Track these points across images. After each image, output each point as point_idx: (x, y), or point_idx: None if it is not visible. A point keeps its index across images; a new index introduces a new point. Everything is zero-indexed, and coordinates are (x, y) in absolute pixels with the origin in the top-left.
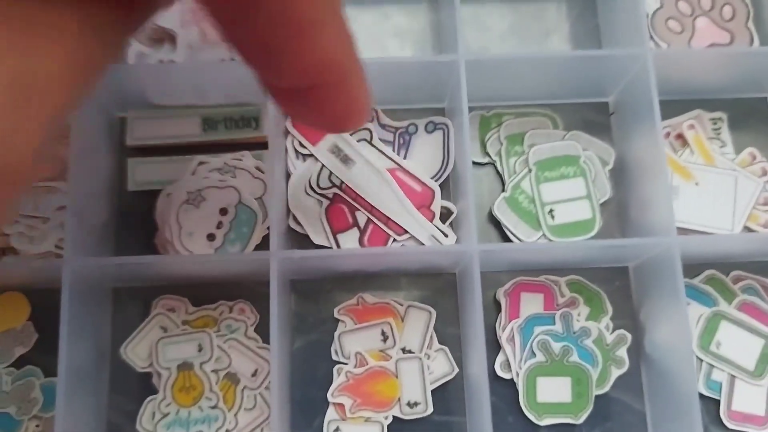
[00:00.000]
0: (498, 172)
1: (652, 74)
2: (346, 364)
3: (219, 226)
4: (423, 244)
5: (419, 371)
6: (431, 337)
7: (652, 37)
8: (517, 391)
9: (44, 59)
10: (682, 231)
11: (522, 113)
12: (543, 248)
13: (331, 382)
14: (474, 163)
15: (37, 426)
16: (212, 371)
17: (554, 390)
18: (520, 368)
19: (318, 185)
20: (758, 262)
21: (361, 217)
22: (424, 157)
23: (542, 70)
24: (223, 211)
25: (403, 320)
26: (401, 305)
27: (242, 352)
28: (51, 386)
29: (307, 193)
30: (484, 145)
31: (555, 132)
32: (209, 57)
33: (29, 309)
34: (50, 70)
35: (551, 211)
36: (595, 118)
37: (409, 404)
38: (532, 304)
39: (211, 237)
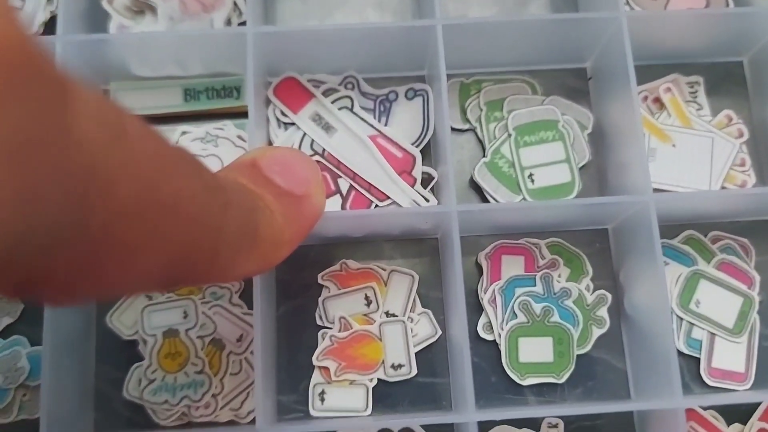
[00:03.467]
0: (478, 138)
1: (627, 37)
2: (330, 328)
3: None
4: None
5: (403, 334)
6: (414, 300)
7: (628, 2)
8: (500, 351)
9: None
10: (660, 192)
11: (501, 79)
12: (520, 207)
13: (315, 347)
14: (454, 129)
15: (24, 395)
16: (197, 337)
17: (536, 350)
18: (502, 329)
19: None
20: (736, 222)
21: (344, 184)
22: (404, 123)
23: (520, 36)
24: None
25: (386, 285)
26: (384, 270)
27: (227, 318)
28: (37, 355)
29: None
30: (464, 112)
31: (534, 98)
32: (190, 28)
33: None
34: None
35: (531, 175)
36: (573, 83)
37: (393, 366)
38: (513, 266)
39: None
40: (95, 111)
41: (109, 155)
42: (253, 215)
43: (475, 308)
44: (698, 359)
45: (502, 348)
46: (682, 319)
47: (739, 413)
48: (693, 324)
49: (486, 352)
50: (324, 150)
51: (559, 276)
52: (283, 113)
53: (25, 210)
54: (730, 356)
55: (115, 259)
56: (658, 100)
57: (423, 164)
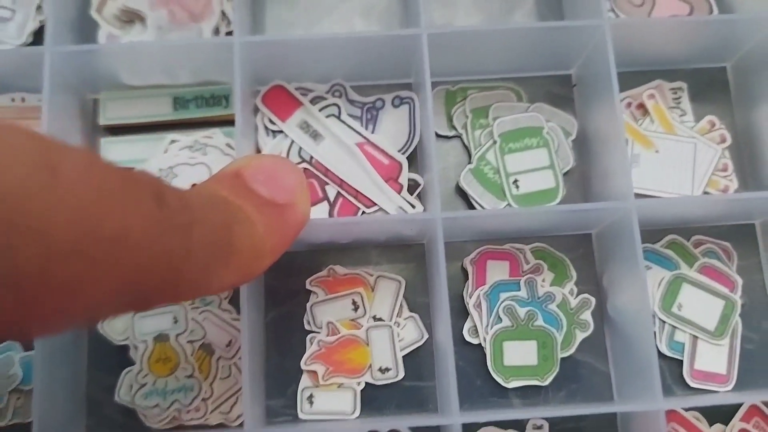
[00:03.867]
0: (464, 144)
1: (610, 44)
2: (318, 333)
3: None
4: None
5: (389, 338)
6: (401, 305)
7: (612, 9)
8: (485, 355)
9: None
10: (643, 197)
11: (487, 87)
12: (504, 214)
13: (304, 352)
14: (440, 136)
15: (18, 399)
16: (187, 342)
17: (521, 353)
18: (487, 333)
19: None
20: (718, 226)
21: (331, 191)
22: (391, 131)
23: (505, 43)
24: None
25: (373, 290)
26: (371, 275)
27: (216, 324)
28: (30, 361)
29: None
30: (450, 119)
31: (519, 105)
32: (179, 37)
33: None
34: None
35: (516, 181)
36: (558, 90)
37: (380, 370)
38: (497, 271)
39: None
40: (15, 160)
41: (36, 202)
42: (228, 229)
43: (461, 313)
44: (681, 361)
45: (487, 351)
46: (664, 322)
47: (721, 414)
48: (675, 327)
49: (471, 356)
50: (312, 157)
51: (543, 280)
52: (271, 121)
53: None
54: (713, 358)
55: (59, 297)
56: (641, 106)
57: (409, 171)
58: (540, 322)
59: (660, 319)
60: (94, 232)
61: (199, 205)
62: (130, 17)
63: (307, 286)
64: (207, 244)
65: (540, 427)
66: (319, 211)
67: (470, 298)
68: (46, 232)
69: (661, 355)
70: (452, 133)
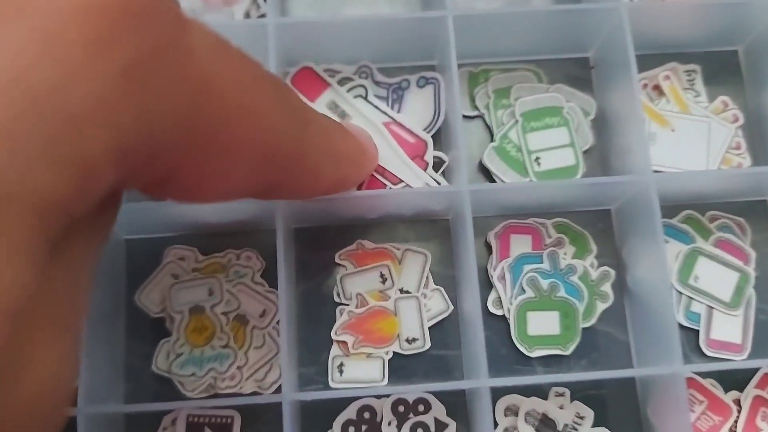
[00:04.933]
0: (486, 124)
1: (628, 27)
2: (347, 304)
3: None
4: None
5: (417, 309)
6: (427, 278)
7: None
8: (509, 325)
9: None
10: (658, 173)
11: (508, 69)
12: (529, 187)
13: (334, 322)
14: (464, 116)
15: None
16: (222, 313)
17: (543, 323)
18: (511, 304)
19: None
20: (732, 202)
21: None
22: (416, 110)
23: (526, 26)
24: None
25: (400, 263)
26: (398, 249)
27: (250, 295)
28: None
29: None
30: (472, 99)
31: (539, 86)
32: (212, 20)
33: None
34: None
35: (537, 158)
36: (576, 72)
37: (407, 340)
38: (521, 244)
39: None
40: (201, 32)
41: (218, 68)
42: (334, 135)
43: (485, 285)
44: (697, 331)
45: (511, 322)
46: (681, 293)
47: (736, 382)
48: (692, 298)
49: (496, 326)
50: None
51: (565, 254)
52: None
53: (146, 117)
54: (728, 328)
55: (219, 161)
56: (657, 88)
57: (434, 149)
58: (562, 293)
59: (677, 290)
60: (251, 104)
61: (312, 110)
62: None
63: (337, 260)
64: (320, 140)
65: (562, 395)
66: None
67: (494, 270)
68: (224, 95)
69: (677, 324)
70: (474, 113)
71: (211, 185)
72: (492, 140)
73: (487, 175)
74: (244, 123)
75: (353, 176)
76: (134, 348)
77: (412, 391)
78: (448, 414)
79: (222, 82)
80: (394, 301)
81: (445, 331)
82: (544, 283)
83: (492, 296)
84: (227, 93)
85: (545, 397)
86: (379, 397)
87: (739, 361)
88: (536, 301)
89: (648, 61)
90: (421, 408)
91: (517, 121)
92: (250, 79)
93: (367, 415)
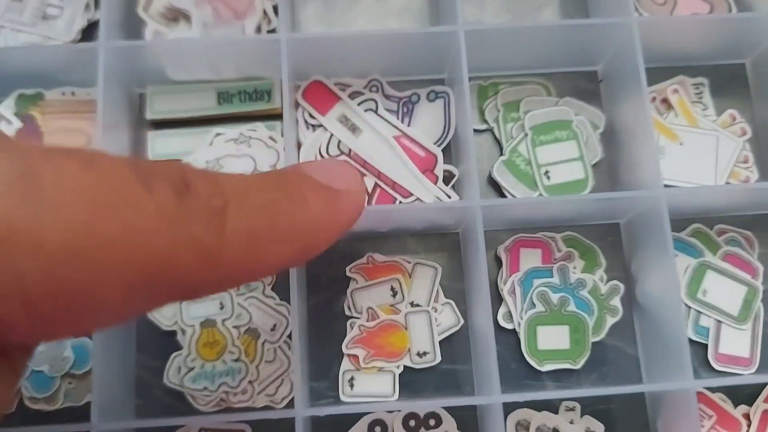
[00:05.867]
0: (496, 137)
1: (638, 41)
2: (358, 318)
3: None
4: None
5: (427, 323)
6: (437, 291)
7: (636, 9)
8: (519, 339)
9: None
10: (670, 187)
11: (517, 82)
12: (539, 202)
13: (345, 336)
14: (473, 129)
15: (69, 383)
16: (233, 327)
17: (553, 338)
18: (521, 318)
19: (328, 153)
20: (740, 216)
21: (369, 182)
22: (426, 124)
23: (535, 40)
24: None
25: (410, 276)
26: (409, 263)
27: (261, 309)
28: (81, 346)
29: None
30: (482, 113)
31: (548, 99)
32: (223, 34)
33: None
34: None
35: (547, 172)
36: (585, 85)
37: (418, 354)
38: (530, 258)
39: None
40: None
41: (22, 212)
42: (275, 207)
43: (495, 299)
44: (706, 346)
45: (522, 336)
46: (690, 307)
47: (745, 396)
48: (700, 312)
49: (506, 340)
50: (350, 150)
51: (575, 267)
52: (311, 115)
53: None
54: (736, 342)
55: (69, 301)
56: (665, 101)
57: (444, 162)
58: (572, 307)
59: (685, 304)
60: (94, 237)
61: (236, 186)
62: (175, 15)
63: (347, 273)
64: (247, 226)
65: (572, 409)
66: None
67: (504, 284)
68: (40, 240)
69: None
70: (484, 126)
71: (67, 327)
72: (501, 154)
73: (496, 188)
74: (88, 258)
75: (313, 244)
76: (145, 362)
77: (424, 407)
78: (459, 428)
79: (42, 225)
80: (404, 315)
81: (455, 344)
82: (554, 297)
83: (502, 310)
84: (52, 236)
85: (556, 412)
86: (390, 411)
87: (748, 375)
88: (546, 316)
89: (655, 74)
90: (432, 422)
91: (526, 135)
92: (96, 202)
93: (378, 429)
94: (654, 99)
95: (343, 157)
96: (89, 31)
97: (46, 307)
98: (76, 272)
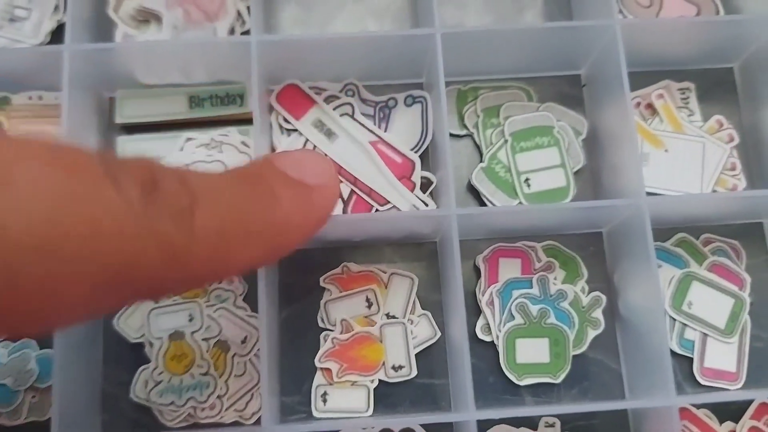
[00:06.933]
0: (475, 143)
1: (621, 44)
2: (332, 330)
3: None
4: None
5: (403, 336)
6: (414, 303)
7: (621, 11)
8: (498, 352)
9: None
10: (653, 195)
11: (498, 87)
12: (517, 210)
13: (318, 349)
14: (452, 135)
15: (33, 397)
16: (203, 339)
17: (533, 351)
18: (500, 331)
19: None
20: (726, 225)
21: (345, 189)
22: (403, 129)
23: (516, 44)
24: None
25: (386, 287)
26: (384, 273)
27: (232, 321)
28: (45, 358)
29: None
30: (461, 118)
31: (530, 104)
32: (194, 37)
33: None
34: None
35: (527, 179)
36: (568, 90)
37: (393, 368)
38: (510, 268)
39: None
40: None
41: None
42: (245, 205)
43: (473, 310)
44: (691, 359)
45: (500, 349)
46: (674, 320)
47: (731, 412)
48: (685, 325)
49: (484, 353)
50: (325, 155)
51: (555, 278)
52: (285, 120)
53: None
54: (722, 356)
55: (34, 297)
56: (650, 106)
57: (421, 168)
58: (552, 319)
59: (670, 316)
60: (58, 231)
61: (206, 185)
62: (146, 17)
63: (321, 284)
64: (216, 225)
65: (552, 425)
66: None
67: (483, 295)
68: (4, 235)
69: (671, 352)
70: (463, 132)
71: (31, 324)
72: (481, 160)
73: (476, 195)
74: (52, 254)
75: (282, 244)
76: (112, 375)
77: (398, 424)
78: None
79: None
80: (379, 327)
81: (432, 357)
82: (534, 309)
83: (480, 322)
84: (13, 226)
85: (535, 428)
86: (364, 428)
87: (734, 391)
88: (525, 328)
89: (640, 78)
90: None
91: (506, 141)
92: (59, 197)
93: None
94: (639, 104)
95: None
96: (58, 34)
97: (5, 301)
98: (37, 266)
